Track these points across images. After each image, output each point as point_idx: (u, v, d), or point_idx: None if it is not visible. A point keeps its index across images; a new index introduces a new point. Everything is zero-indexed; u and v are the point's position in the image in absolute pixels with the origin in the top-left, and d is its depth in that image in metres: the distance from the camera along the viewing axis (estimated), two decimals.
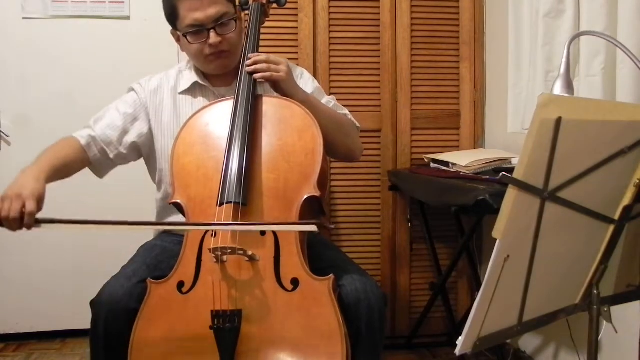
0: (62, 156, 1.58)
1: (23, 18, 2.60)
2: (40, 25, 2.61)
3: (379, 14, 2.58)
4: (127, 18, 2.65)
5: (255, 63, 1.56)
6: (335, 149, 1.67)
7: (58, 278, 2.66)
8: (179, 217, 1.68)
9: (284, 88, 1.57)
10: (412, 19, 2.60)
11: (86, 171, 1.73)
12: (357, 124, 1.79)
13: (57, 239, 2.64)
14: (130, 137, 1.70)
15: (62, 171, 1.56)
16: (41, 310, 2.66)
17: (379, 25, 2.59)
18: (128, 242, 1.73)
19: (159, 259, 1.57)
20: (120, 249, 1.71)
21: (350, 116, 1.78)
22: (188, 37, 1.63)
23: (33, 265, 2.65)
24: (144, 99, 1.72)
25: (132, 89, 1.75)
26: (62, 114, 2.63)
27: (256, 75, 1.55)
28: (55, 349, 2.60)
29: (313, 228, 1.33)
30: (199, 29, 1.61)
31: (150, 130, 1.72)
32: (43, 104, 2.63)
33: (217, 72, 1.70)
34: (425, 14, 2.61)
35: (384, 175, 2.60)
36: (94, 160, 1.67)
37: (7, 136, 2.63)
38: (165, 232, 1.75)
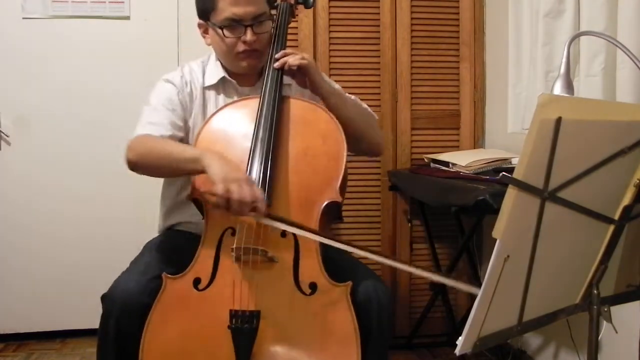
0: None
1: (23, 18, 2.59)
2: (40, 25, 2.61)
3: (379, 14, 2.59)
4: (127, 18, 2.65)
5: (285, 56, 1.58)
6: (362, 141, 1.68)
7: (58, 278, 2.65)
8: (187, 215, 1.67)
9: (313, 75, 1.58)
10: (412, 19, 2.60)
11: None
12: (376, 116, 1.81)
13: (56, 239, 2.65)
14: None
15: None
16: (41, 310, 2.66)
17: (379, 25, 2.59)
18: (130, 241, 1.73)
19: (168, 254, 1.55)
20: (121, 249, 1.71)
21: (369, 109, 1.80)
22: (224, 31, 1.61)
23: (33, 266, 2.65)
24: (182, 98, 1.67)
25: (171, 84, 1.67)
26: (62, 114, 2.63)
27: (291, 61, 1.55)
28: (55, 349, 2.60)
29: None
30: (236, 24, 1.60)
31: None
32: (43, 104, 2.63)
33: (245, 71, 1.68)
34: (425, 14, 2.62)
35: (384, 175, 2.60)
36: None
37: (7, 136, 2.63)
38: (169, 228, 1.74)
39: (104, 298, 1.43)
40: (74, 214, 2.65)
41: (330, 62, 2.57)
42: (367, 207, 2.62)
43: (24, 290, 2.65)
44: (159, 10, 2.60)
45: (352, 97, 1.79)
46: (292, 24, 2.52)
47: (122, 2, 2.64)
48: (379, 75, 2.60)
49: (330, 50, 2.57)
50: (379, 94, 2.61)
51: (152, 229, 1.82)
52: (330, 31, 2.57)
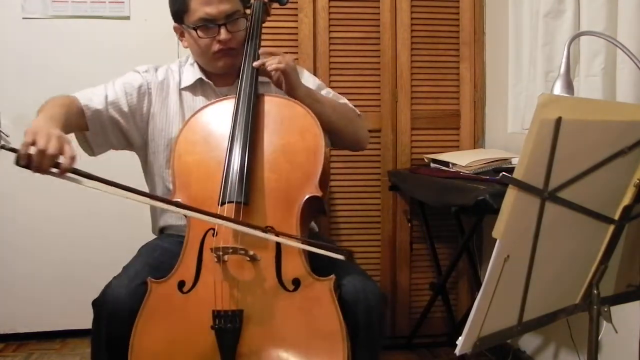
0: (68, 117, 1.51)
1: (23, 18, 2.59)
2: (40, 25, 2.60)
3: (379, 14, 2.58)
4: (127, 18, 2.65)
5: (265, 59, 1.58)
6: (342, 137, 1.69)
7: (58, 278, 2.65)
8: (175, 217, 1.68)
9: (290, 79, 1.57)
10: (412, 19, 2.60)
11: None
12: (358, 112, 1.81)
13: (56, 239, 2.65)
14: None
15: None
16: (41, 310, 2.66)
17: (379, 25, 2.59)
18: (128, 242, 1.73)
19: (160, 259, 1.56)
20: (120, 249, 1.71)
21: (350, 105, 1.79)
22: (198, 31, 1.61)
23: (33, 265, 2.65)
24: (150, 90, 1.69)
25: (139, 74, 1.71)
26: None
27: (271, 67, 1.56)
28: (55, 349, 2.60)
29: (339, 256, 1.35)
30: (210, 24, 1.60)
31: (147, 125, 1.69)
32: None
33: (222, 70, 1.69)
34: (425, 14, 2.61)
35: (384, 175, 2.60)
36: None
37: (7, 136, 2.62)
38: (166, 232, 1.74)
39: (94, 304, 1.44)
40: (74, 214, 2.64)
41: (330, 62, 2.57)
42: (367, 207, 2.62)
43: (24, 290, 2.65)
44: (159, 10, 2.57)
45: (332, 93, 1.79)
46: (292, 24, 2.55)
47: (122, 2, 2.64)
48: (379, 75, 2.60)
49: (330, 50, 2.57)
50: (379, 94, 2.61)
51: (151, 229, 1.82)
52: (330, 31, 2.57)
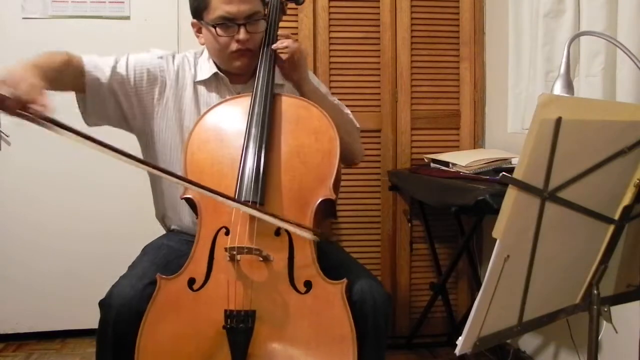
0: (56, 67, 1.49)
1: (23, 18, 2.60)
2: (40, 25, 2.60)
3: (379, 14, 2.59)
4: (127, 18, 2.65)
5: (283, 45, 1.59)
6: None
7: (58, 278, 2.65)
8: (184, 215, 1.67)
9: (303, 69, 1.58)
10: (412, 19, 2.60)
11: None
12: (357, 125, 1.79)
13: (57, 239, 2.65)
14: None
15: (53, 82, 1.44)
16: (41, 310, 2.66)
17: (379, 25, 2.59)
18: (129, 242, 1.72)
19: (167, 258, 1.55)
20: (121, 249, 1.71)
21: (351, 116, 1.78)
22: (217, 29, 1.59)
23: (33, 265, 2.65)
24: (163, 78, 1.67)
25: (155, 58, 1.69)
26: (61, 114, 2.62)
27: (282, 49, 1.57)
28: (55, 349, 2.60)
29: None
30: (229, 23, 1.58)
31: (154, 113, 1.66)
32: None
33: (238, 70, 1.66)
34: (425, 14, 2.62)
35: (384, 175, 2.60)
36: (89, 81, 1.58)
37: (7, 136, 2.62)
38: (171, 230, 1.73)
39: (101, 304, 1.42)
40: (74, 215, 2.64)
41: (330, 62, 2.57)
42: (367, 207, 2.62)
43: (24, 290, 2.65)
44: (159, 10, 2.60)
45: (336, 101, 1.77)
46: (292, 24, 2.54)
47: (122, 2, 2.64)
48: (379, 75, 2.60)
49: (330, 50, 2.57)
50: (379, 94, 2.61)
51: (153, 229, 1.81)
52: (330, 31, 2.57)
